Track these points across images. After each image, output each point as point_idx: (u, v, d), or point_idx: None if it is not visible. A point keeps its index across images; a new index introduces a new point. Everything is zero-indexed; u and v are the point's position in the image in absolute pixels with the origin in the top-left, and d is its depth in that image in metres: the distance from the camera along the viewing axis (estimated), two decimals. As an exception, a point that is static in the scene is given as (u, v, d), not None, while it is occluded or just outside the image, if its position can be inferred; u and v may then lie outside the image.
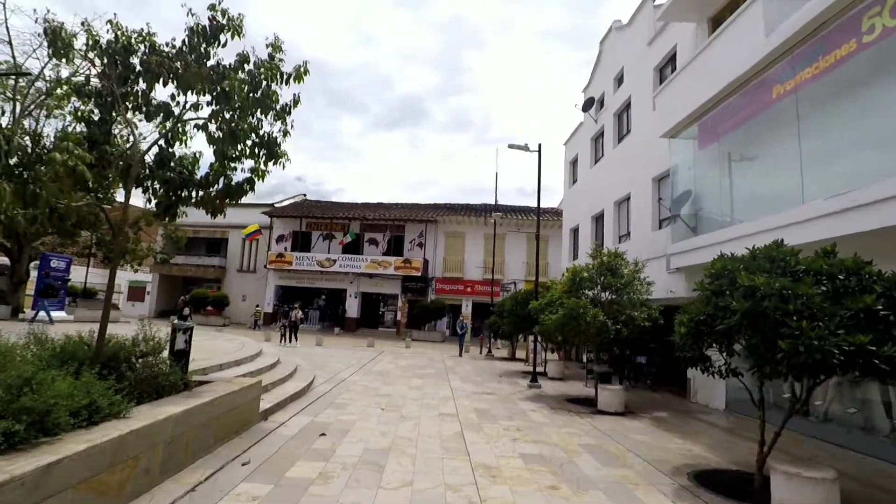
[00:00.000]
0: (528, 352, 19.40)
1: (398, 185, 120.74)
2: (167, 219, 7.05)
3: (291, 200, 38.10)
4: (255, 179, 7.04)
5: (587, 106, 20.16)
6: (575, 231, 23.06)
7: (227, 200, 7.12)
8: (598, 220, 19.92)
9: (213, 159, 6.90)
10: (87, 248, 25.23)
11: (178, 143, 6.89)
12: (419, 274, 31.28)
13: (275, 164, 7.02)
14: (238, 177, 7.09)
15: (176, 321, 8.25)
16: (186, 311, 23.92)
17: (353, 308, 33.23)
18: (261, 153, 6.92)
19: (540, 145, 14.46)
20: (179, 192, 6.92)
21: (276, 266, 32.76)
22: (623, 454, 6.82)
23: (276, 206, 35.41)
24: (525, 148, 14.36)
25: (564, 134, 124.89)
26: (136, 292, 35.96)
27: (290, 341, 21.18)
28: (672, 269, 11.40)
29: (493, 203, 26.03)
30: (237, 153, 6.84)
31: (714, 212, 10.86)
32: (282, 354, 14.17)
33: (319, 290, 34.55)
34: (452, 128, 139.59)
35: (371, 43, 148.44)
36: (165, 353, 6.25)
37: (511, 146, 14.40)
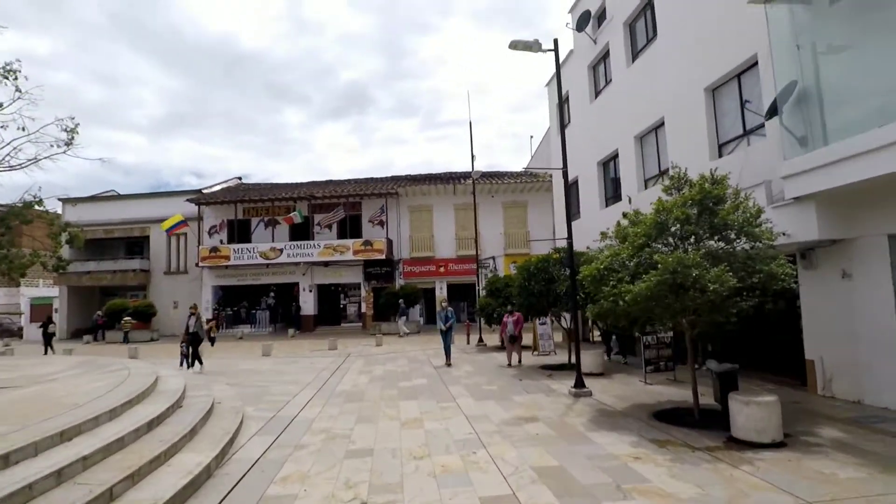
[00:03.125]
0: (535, 336, 15.37)
1: (350, 173, 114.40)
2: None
3: (223, 185, 32.51)
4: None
5: (582, 24, 15.99)
6: (571, 186, 19.04)
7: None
8: (608, 164, 15.93)
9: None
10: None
11: None
12: (383, 257, 26.71)
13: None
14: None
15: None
16: (52, 327, 19.07)
17: (308, 304, 28.35)
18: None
19: (556, 41, 10.19)
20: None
21: (211, 263, 27.40)
22: None
23: (205, 192, 29.81)
24: (535, 46, 10.04)
25: (520, 109, 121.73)
26: (40, 311, 29.73)
27: (192, 365, 13.17)
28: (788, 197, 7.42)
29: (470, 161, 21.64)
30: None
31: (848, 106, 6.93)
32: (199, 383, 9.48)
33: (266, 286, 29.43)
34: (399, 113, 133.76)
35: (308, 31, 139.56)
36: None
37: (514, 45, 10.04)
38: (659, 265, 5.86)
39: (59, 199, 29.15)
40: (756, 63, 9.25)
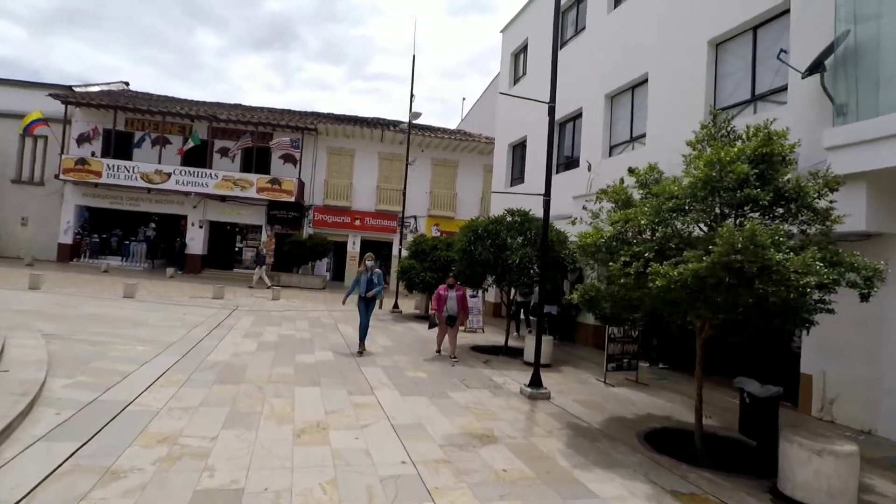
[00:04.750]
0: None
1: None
2: None
3: (105, 87, 26.85)
4: None
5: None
6: (518, 146, 17.10)
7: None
8: (566, 125, 14.07)
9: None
10: None
11: None
12: (292, 199, 23.35)
13: None
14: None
15: None
16: None
17: (197, 242, 24.36)
18: None
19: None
20: None
21: (77, 177, 22.40)
22: None
23: (78, 90, 24.25)
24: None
25: (449, 75, 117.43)
26: None
27: None
28: (839, 173, 5.83)
29: (401, 115, 18.57)
30: None
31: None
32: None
33: (147, 214, 24.90)
34: (326, 57, 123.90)
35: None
36: None
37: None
38: (717, 240, 3.91)
39: None
40: (780, 14, 7.64)
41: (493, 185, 18.53)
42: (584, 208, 5.77)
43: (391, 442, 4.74)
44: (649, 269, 4.23)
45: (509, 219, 9.82)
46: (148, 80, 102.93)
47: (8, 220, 23.41)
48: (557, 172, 14.08)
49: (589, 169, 12.15)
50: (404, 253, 16.69)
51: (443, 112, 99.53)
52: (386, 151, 25.78)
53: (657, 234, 4.57)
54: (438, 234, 22.33)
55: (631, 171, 5.62)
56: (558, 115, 13.75)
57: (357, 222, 25.20)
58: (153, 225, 25.29)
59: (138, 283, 14.83)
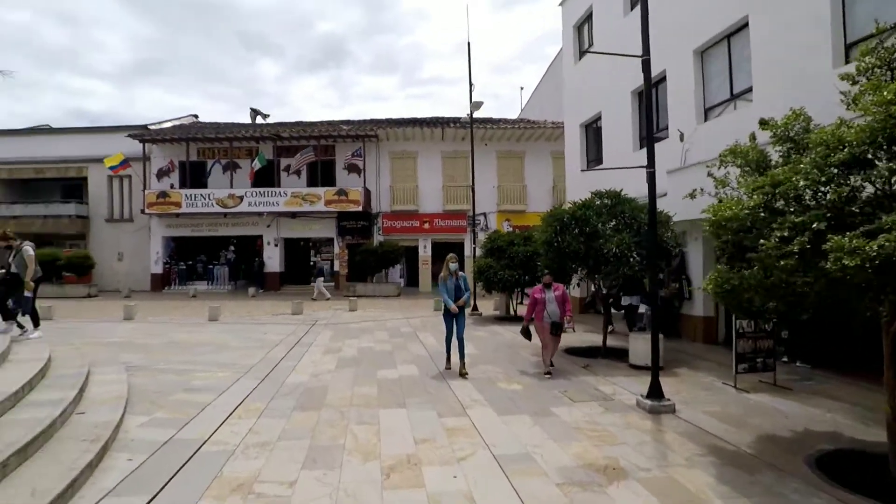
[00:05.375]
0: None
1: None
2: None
3: (176, 122, 28.18)
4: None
5: None
6: (591, 125, 15.82)
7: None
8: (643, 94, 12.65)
9: None
10: None
11: None
12: (359, 209, 23.27)
13: None
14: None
15: None
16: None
17: (274, 260, 24.92)
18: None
19: None
20: None
21: (160, 210, 23.59)
22: None
23: (152, 127, 25.55)
24: None
25: (501, 70, 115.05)
26: (-41, 259, 25.64)
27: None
28: None
29: (468, 105, 17.89)
30: None
31: None
32: (67, 372, 6.23)
33: (226, 238, 25.79)
34: (379, 69, 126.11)
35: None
36: None
37: None
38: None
39: (-23, 131, 24.81)
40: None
41: (566, 169, 17.29)
42: (710, 175, 4.67)
43: (496, 480, 3.92)
44: (828, 243, 3.13)
45: (598, 202, 8.74)
46: (218, 114, 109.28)
47: (106, 256, 25.00)
48: (641, 147, 12.76)
49: (682, 139, 10.76)
50: (478, 252, 15.91)
51: (499, 108, 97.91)
52: (448, 150, 25.13)
53: (829, 197, 3.44)
54: (510, 229, 21.31)
55: (763, 122, 4.46)
56: (636, 84, 12.49)
57: (426, 225, 24.72)
58: (232, 248, 26.14)
59: (221, 305, 15.07)
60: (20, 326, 8.12)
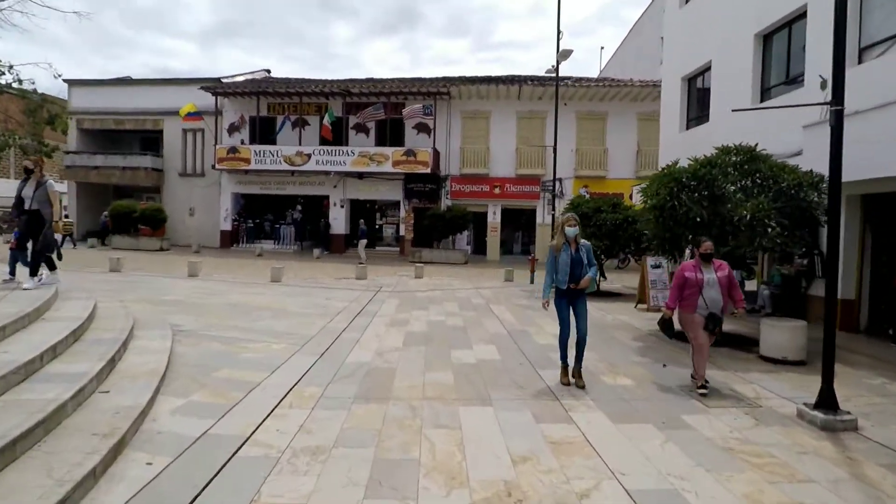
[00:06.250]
0: (644, 284, 10.91)
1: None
2: None
3: (249, 76, 27.84)
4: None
5: None
6: (695, 78, 13.58)
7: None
8: (779, 32, 10.42)
9: None
10: None
11: None
12: (428, 171, 22.08)
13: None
14: None
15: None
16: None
17: (339, 221, 24.38)
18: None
19: None
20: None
21: (230, 165, 23.47)
22: None
23: (224, 80, 25.30)
24: None
25: (579, 34, 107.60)
26: (49, 208, 26.87)
27: (35, 272, 6.93)
28: None
29: (556, 56, 15.71)
30: None
31: None
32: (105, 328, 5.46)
33: (293, 197, 25.47)
34: (450, 32, 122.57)
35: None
36: None
37: None
38: None
39: (64, 81, 25.53)
40: None
41: (661, 130, 15.15)
42: None
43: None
44: None
45: (725, 158, 6.99)
46: (292, 75, 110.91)
47: (178, 210, 25.41)
48: (770, 97, 10.63)
49: (823, 86, 8.61)
50: (558, 219, 14.33)
51: (576, 70, 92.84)
52: (523, 110, 23.28)
53: None
54: (587, 195, 19.48)
55: None
56: (761, 26, 10.31)
57: (496, 190, 23.22)
58: (299, 207, 25.82)
59: (286, 265, 14.50)
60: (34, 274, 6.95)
